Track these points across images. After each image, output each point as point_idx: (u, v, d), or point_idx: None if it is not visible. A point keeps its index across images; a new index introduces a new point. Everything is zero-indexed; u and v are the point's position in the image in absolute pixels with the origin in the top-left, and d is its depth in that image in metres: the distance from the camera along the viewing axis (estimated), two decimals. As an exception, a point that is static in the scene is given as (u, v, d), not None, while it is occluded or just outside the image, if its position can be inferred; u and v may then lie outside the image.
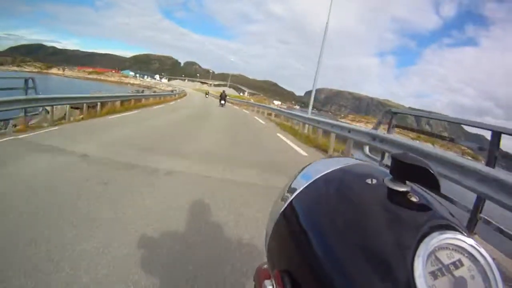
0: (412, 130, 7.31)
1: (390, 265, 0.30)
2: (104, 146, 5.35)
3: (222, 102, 24.22)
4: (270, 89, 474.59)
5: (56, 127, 6.82)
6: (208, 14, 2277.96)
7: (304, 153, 7.36)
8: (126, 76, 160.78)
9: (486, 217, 2.93)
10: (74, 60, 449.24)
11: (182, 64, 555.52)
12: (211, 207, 3.19)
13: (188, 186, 3.80)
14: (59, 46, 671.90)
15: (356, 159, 0.49)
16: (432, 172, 0.35)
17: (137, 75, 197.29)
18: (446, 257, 0.31)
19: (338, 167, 0.44)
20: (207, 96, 45.55)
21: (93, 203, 2.94)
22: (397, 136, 5.01)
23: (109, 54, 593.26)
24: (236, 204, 3.34)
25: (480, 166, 2.92)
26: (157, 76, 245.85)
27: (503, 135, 3.02)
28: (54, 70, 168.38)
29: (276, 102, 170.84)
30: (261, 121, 16.02)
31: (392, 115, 5.14)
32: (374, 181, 0.39)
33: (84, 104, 9.53)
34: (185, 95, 43.91)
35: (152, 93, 23.06)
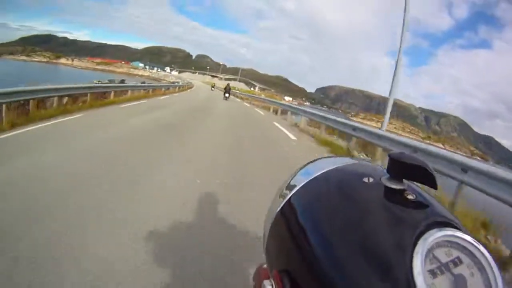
0: None
1: (389, 263, 0.30)
2: None
3: (227, 95, 24.56)
4: (281, 85, 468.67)
5: None
6: (220, 8, 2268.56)
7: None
8: (135, 68, 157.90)
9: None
10: (85, 51, 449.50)
11: (194, 57, 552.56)
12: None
13: None
14: (70, 36, 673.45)
15: (354, 158, 0.50)
16: (429, 170, 0.35)
17: (147, 66, 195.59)
18: (444, 255, 0.31)
19: (336, 166, 0.45)
20: (213, 89, 43.84)
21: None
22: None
23: (120, 45, 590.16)
24: None
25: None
26: (167, 68, 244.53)
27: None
28: (63, 60, 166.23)
29: (287, 98, 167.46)
30: (288, 133, 9.98)
31: None
32: (371, 179, 0.39)
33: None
34: (190, 88, 41.71)
35: (133, 85, 18.76)
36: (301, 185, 0.43)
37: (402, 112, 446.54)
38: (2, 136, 5.38)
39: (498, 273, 0.31)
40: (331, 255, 0.33)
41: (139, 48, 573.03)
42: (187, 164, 4.92)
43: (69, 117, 7.64)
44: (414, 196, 0.36)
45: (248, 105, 24.66)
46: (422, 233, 0.31)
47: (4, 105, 6.24)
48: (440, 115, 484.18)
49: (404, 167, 0.36)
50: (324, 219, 0.37)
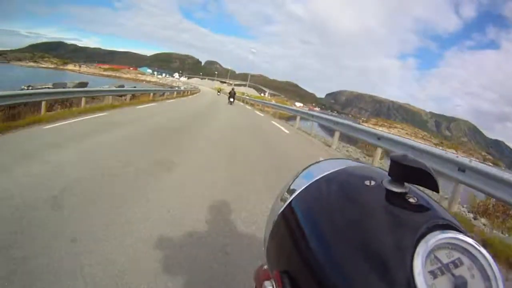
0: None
1: (390, 265, 0.30)
2: None
3: (231, 99, 24.31)
4: (291, 90, 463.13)
5: None
6: (228, 14, 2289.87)
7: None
8: (143, 73, 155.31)
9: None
10: (95, 58, 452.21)
11: (203, 63, 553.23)
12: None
13: None
14: (79, 44, 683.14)
15: (355, 160, 0.50)
16: (430, 173, 0.35)
17: (155, 72, 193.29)
18: (445, 256, 0.32)
19: (337, 169, 0.45)
20: (219, 93, 43.52)
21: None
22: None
23: (130, 52, 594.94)
24: None
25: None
26: (176, 74, 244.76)
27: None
28: (70, 67, 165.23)
29: (298, 104, 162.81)
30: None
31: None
32: (373, 182, 0.39)
33: None
34: (195, 92, 40.03)
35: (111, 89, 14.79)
36: (302, 188, 0.43)
37: (412, 117, 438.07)
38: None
39: (499, 275, 0.31)
40: (332, 257, 0.33)
41: (148, 55, 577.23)
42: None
43: None
44: (416, 199, 0.36)
45: (261, 114, 19.47)
46: (423, 236, 0.31)
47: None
48: (450, 120, 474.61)
49: (406, 170, 0.35)
50: (326, 221, 0.37)
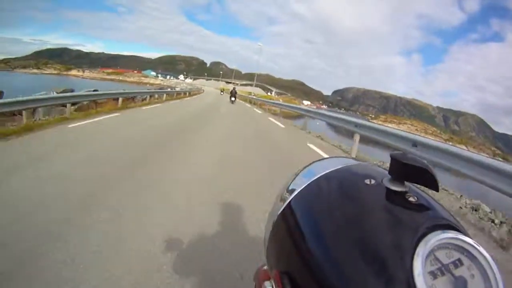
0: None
1: (390, 265, 0.30)
2: None
3: (233, 99, 24.52)
4: (297, 89, 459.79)
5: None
6: (232, 16, 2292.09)
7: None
8: (146, 76, 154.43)
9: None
10: (99, 62, 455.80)
11: (208, 65, 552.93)
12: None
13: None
14: (84, 49, 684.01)
15: (355, 159, 0.49)
16: (431, 172, 0.35)
17: (159, 75, 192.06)
18: (445, 257, 0.31)
19: (337, 168, 0.44)
20: (222, 93, 43.05)
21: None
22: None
23: (134, 55, 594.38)
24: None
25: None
26: (181, 76, 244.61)
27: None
28: (73, 72, 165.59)
29: (306, 102, 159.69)
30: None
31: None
32: (373, 181, 0.39)
33: None
34: (196, 93, 38.45)
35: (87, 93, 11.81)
36: (302, 187, 0.43)
37: (420, 112, 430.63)
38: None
39: (499, 275, 0.31)
40: (331, 257, 0.33)
41: (153, 58, 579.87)
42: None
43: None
44: (416, 198, 0.36)
45: (274, 121, 14.17)
46: (423, 236, 0.31)
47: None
48: (458, 114, 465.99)
49: (406, 169, 0.35)
50: (325, 221, 0.37)
